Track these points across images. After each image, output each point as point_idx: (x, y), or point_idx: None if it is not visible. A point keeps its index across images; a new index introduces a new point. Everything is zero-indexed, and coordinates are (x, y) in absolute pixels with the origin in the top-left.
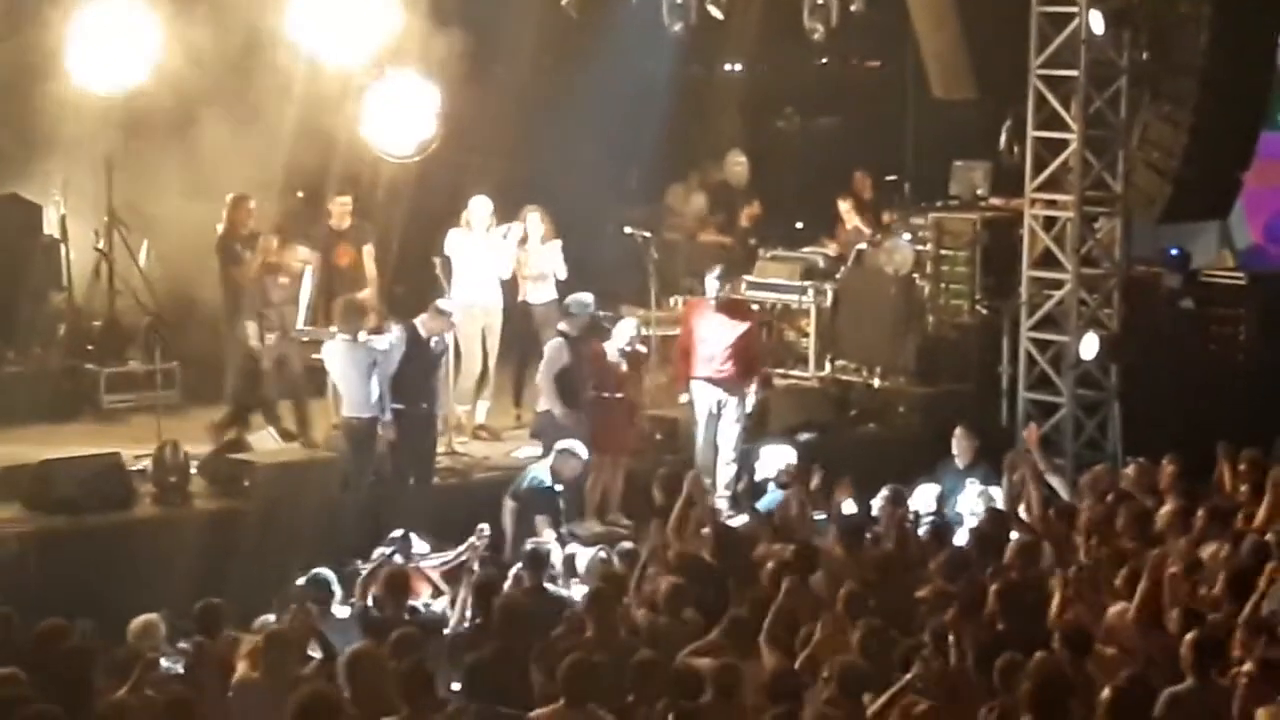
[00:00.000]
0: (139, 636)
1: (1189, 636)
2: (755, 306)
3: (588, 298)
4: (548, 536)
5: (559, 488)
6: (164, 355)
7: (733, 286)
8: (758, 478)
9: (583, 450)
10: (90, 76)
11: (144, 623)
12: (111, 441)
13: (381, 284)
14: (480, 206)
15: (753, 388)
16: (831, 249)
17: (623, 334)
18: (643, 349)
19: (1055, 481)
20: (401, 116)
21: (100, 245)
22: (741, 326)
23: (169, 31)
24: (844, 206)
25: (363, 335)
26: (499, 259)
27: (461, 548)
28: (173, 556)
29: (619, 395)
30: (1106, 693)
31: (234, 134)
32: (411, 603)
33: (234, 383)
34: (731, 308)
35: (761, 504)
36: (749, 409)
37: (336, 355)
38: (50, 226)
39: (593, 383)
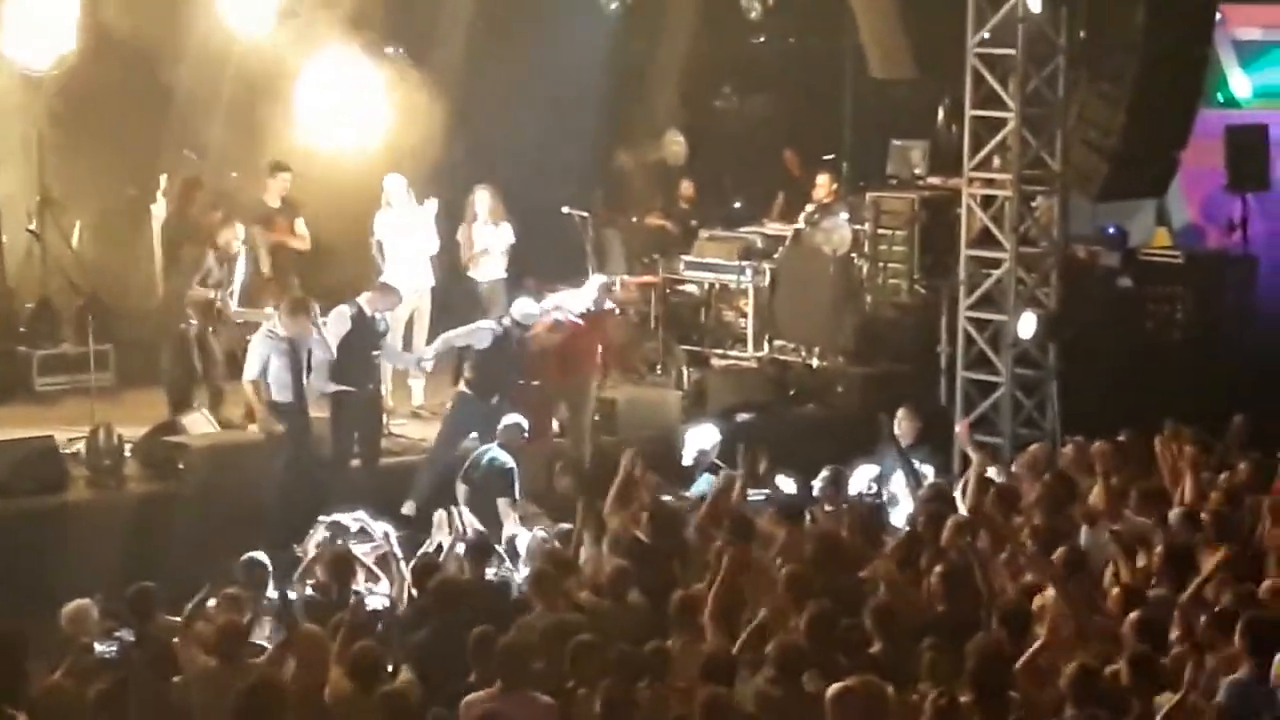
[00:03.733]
0: (72, 622)
1: (1131, 616)
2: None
3: (535, 309)
4: (513, 519)
5: (512, 466)
6: (97, 337)
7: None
8: (685, 461)
9: (523, 420)
10: (20, 56)
11: (76, 608)
12: (44, 424)
13: (316, 264)
14: (394, 184)
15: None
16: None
17: (588, 293)
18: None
19: (992, 471)
20: (335, 100)
21: (32, 226)
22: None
23: (99, 10)
24: (822, 179)
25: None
26: (424, 234)
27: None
28: (106, 540)
29: (535, 383)
30: (1069, 670)
31: (166, 115)
32: (355, 587)
33: (170, 366)
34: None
35: (694, 489)
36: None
37: (261, 342)
38: None
39: (516, 375)
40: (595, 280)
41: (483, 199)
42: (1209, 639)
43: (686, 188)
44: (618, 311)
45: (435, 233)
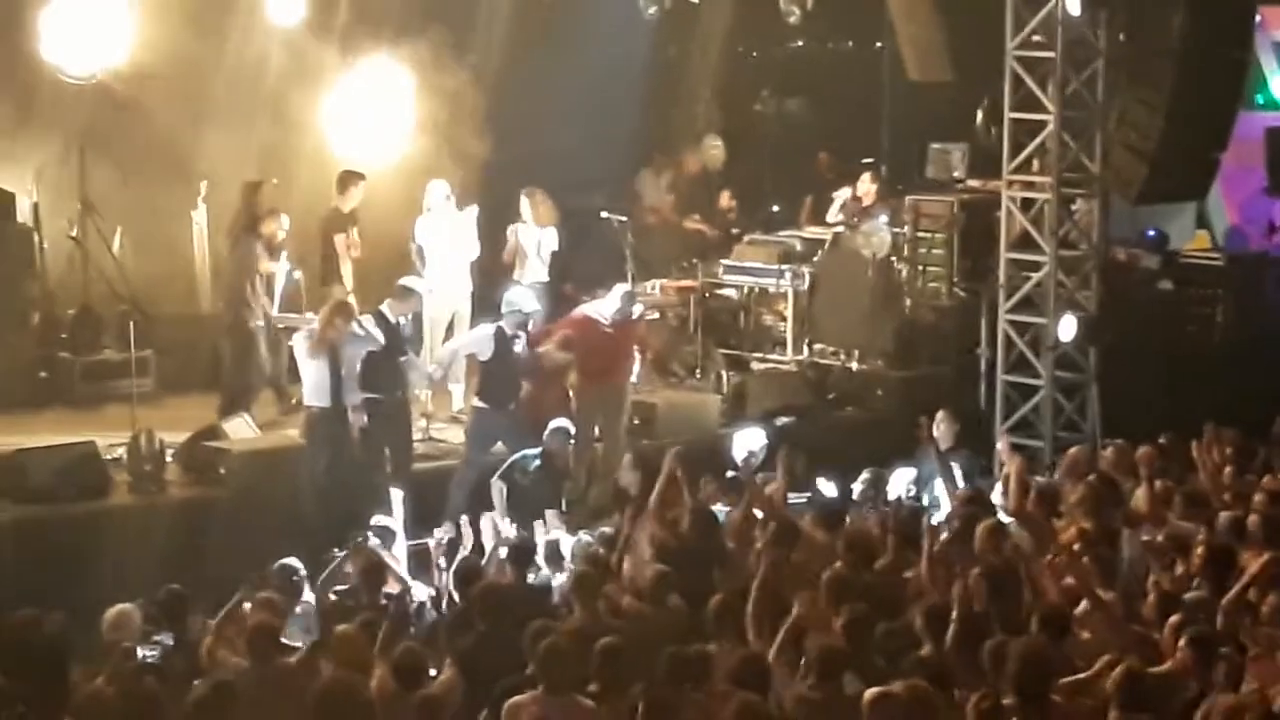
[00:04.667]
0: (114, 627)
1: (1172, 619)
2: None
3: (520, 298)
4: (560, 528)
5: (562, 477)
6: (139, 343)
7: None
8: (736, 460)
9: (569, 425)
10: (64, 63)
11: (119, 613)
12: (86, 430)
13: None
14: (436, 189)
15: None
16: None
17: (612, 302)
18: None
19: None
20: (373, 106)
21: (74, 233)
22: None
23: (143, 16)
24: (865, 182)
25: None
26: (464, 239)
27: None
28: (148, 545)
29: (569, 392)
30: (1115, 673)
31: (208, 120)
32: (386, 590)
33: (233, 368)
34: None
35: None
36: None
37: (301, 344)
38: (23, 214)
39: (525, 379)
40: (618, 290)
41: (524, 203)
42: (1262, 639)
43: (722, 195)
44: (654, 315)
45: (476, 238)
